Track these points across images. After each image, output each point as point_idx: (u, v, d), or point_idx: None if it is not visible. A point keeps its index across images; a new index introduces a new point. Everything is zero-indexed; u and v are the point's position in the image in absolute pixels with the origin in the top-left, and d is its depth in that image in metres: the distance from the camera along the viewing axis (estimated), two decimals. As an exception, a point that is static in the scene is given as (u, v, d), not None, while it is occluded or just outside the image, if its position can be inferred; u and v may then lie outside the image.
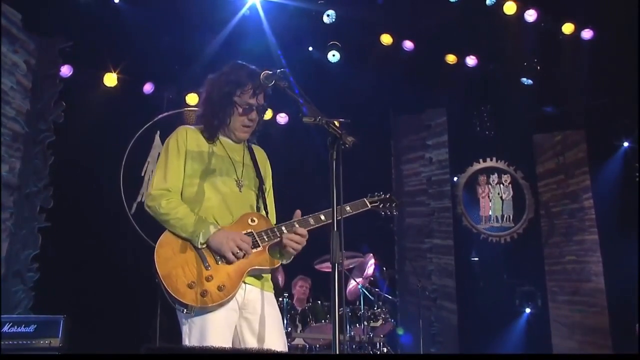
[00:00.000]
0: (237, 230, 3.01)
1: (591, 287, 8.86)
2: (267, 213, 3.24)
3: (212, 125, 3.23)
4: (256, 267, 3.01)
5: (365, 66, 8.37)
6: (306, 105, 2.84)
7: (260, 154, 3.44)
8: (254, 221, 3.10)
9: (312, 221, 3.14)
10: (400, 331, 6.58)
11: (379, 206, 3.45)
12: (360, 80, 8.27)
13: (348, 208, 3.28)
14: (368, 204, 3.40)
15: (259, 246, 3.03)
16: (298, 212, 3.17)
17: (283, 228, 3.10)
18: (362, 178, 7.08)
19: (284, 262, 3.23)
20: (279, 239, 3.08)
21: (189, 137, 3.17)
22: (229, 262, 2.94)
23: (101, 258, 6.95)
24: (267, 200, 3.32)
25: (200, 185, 3.08)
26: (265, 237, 3.06)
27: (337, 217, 2.62)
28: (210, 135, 3.22)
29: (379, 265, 6.95)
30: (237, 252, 2.93)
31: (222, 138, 3.28)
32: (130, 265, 6.90)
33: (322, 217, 3.15)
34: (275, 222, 3.32)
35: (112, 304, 6.82)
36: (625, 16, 7.13)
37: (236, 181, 3.17)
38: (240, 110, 3.21)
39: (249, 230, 3.05)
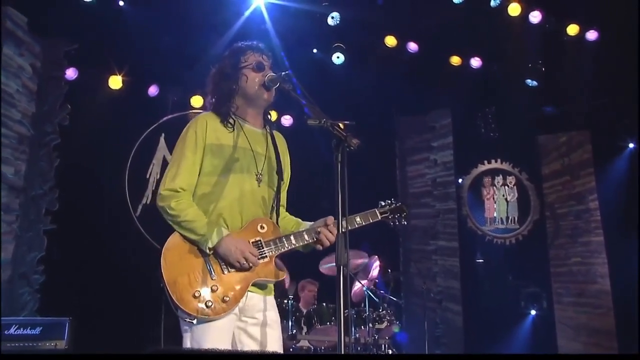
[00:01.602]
0: (245, 237, 2.99)
1: (597, 288, 8.83)
2: (277, 216, 3.21)
3: (227, 102, 3.18)
4: (262, 278, 2.99)
5: (369, 68, 8.36)
6: (311, 107, 2.84)
7: (281, 141, 3.37)
8: (263, 228, 3.07)
9: (319, 233, 3.10)
10: (396, 329, 6.52)
11: (389, 217, 3.34)
12: (364, 82, 8.27)
13: (358, 219, 3.21)
14: (378, 215, 3.30)
15: (266, 257, 3.01)
16: (331, 218, 3.08)
17: (292, 238, 3.08)
18: (367, 180, 7.08)
19: (306, 251, 3.21)
20: (286, 249, 3.06)
21: (208, 128, 3.09)
22: (236, 270, 2.92)
23: (106, 260, 6.96)
24: (282, 195, 3.29)
25: (217, 182, 3.04)
26: (273, 246, 3.03)
27: (342, 221, 2.61)
28: (225, 115, 3.14)
29: (383, 267, 6.95)
30: (244, 263, 2.91)
31: (245, 125, 3.20)
32: (135, 268, 6.88)
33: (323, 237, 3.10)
34: (285, 211, 3.32)
35: (118, 306, 6.83)
36: (630, 17, 7.11)
37: (256, 175, 3.11)
38: (251, 69, 3.17)
39: (257, 238, 3.02)
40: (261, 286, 3.04)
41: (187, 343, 2.87)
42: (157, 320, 6.30)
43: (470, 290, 9.07)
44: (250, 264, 2.93)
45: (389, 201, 3.39)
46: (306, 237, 3.10)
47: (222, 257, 2.91)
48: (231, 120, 3.16)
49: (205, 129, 3.08)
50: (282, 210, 3.33)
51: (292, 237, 3.08)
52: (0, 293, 6.16)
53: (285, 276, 3.09)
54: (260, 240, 3.02)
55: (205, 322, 2.83)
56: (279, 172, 3.23)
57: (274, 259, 3.03)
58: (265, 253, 3.00)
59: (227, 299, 2.86)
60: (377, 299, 6.64)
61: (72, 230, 6.99)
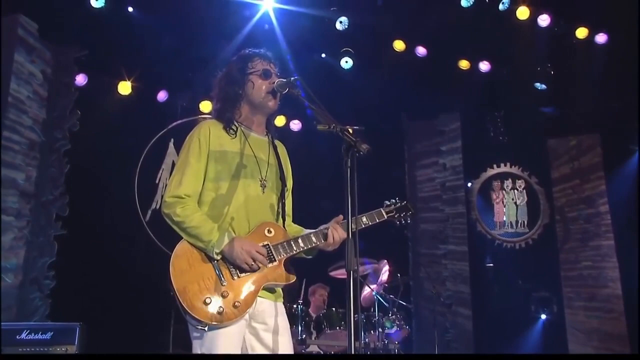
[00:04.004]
0: (253, 241, 2.97)
1: (608, 292, 8.78)
2: (284, 221, 3.19)
3: (232, 107, 3.18)
4: (271, 282, 2.97)
5: (378, 72, 8.38)
6: (320, 112, 2.84)
7: (282, 150, 3.37)
8: (271, 232, 3.05)
9: (327, 234, 3.08)
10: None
11: (395, 216, 3.35)
12: (373, 86, 8.28)
13: (364, 219, 3.20)
14: (384, 214, 3.31)
15: (275, 260, 2.99)
16: (340, 217, 3.09)
17: (300, 241, 3.06)
18: (376, 184, 7.07)
19: (307, 257, 3.19)
20: (295, 252, 3.04)
21: (212, 135, 3.09)
22: (246, 273, 2.91)
23: (116, 265, 6.98)
24: (287, 203, 3.27)
25: (222, 188, 3.03)
26: (281, 250, 3.01)
27: (352, 225, 2.61)
28: (228, 122, 3.15)
29: (392, 271, 6.93)
30: (252, 264, 2.89)
31: (248, 132, 3.20)
32: (145, 273, 6.89)
33: (329, 238, 3.09)
34: (292, 221, 3.31)
35: (128, 312, 6.86)
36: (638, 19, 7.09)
37: (260, 181, 3.11)
38: (258, 76, 3.18)
39: (265, 243, 3.00)
40: (271, 291, 3.03)
41: (197, 350, 2.86)
42: (166, 326, 6.33)
43: (480, 294, 9.04)
44: (259, 265, 2.92)
45: (394, 200, 3.40)
46: (314, 239, 3.08)
47: (231, 261, 2.90)
48: (234, 127, 3.17)
49: (208, 136, 3.09)
50: (289, 220, 3.31)
51: (300, 240, 3.06)
52: (0, 297, 6.19)
53: (294, 279, 3.06)
54: (268, 245, 3.01)
55: (216, 329, 2.82)
56: (282, 179, 3.23)
57: (282, 262, 3.01)
58: (274, 257, 2.99)
59: (238, 304, 2.84)
60: (387, 303, 6.63)
61: (82, 236, 7.02)
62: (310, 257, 3.22)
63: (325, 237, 3.08)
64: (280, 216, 3.20)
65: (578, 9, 7.78)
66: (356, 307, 2.53)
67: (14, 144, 6.72)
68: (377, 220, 3.28)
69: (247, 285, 2.90)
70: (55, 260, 6.97)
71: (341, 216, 3.08)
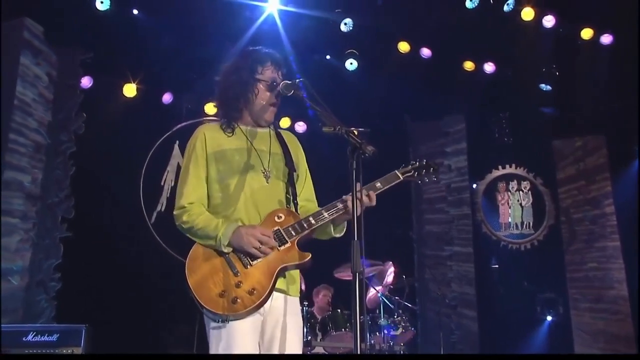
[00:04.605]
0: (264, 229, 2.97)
1: (614, 294, 8.75)
2: (296, 205, 3.16)
3: (234, 109, 3.18)
4: (286, 264, 2.96)
5: (383, 73, 8.37)
6: (325, 114, 2.84)
7: (290, 139, 3.35)
8: (281, 217, 3.05)
9: (340, 205, 3.03)
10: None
11: (414, 175, 3.27)
12: (378, 87, 8.28)
13: (378, 184, 3.12)
14: (400, 175, 3.22)
15: (287, 242, 2.98)
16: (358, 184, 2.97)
17: (311, 219, 3.04)
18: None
19: (338, 235, 3.15)
20: (307, 230, 3.02)
21: (208, 138, 3.12)
22: (258, 260, 2.91)
23: (122, 267, 7.00)
24: (302, 188, 3.25)
25: (229, 187, 3.05)
26: (292, 231, 2.99)
27: (357, 224, 2.61)
28: (230, 123, 3.17)
29: (398, 273, 6.93)
30: (259, 247, 2.90)
31: (246, 128, 3.21)
32: (151, 274, 6.94)
33: (349, 204, 2.97)
34: (317, 207, 3.24)
35: (134, 313, 6.87)
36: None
37: (263, 172, 3.10)
38: (265, 86, 3.16)
39: (275, 228, 3.00)
40: (283, 278, 3.01)
41: (214, 346, 2.86)
42: (171, 328, 6.34)
43: (485, 295, 9.03)
44: (267, 247, 2.91)
45: (413, 162, 3.32)
46: (325, 214, 3.04)
47: (240, 250, 2.91)
48: (232, 126, 3.19)
49: (204, 140, 3.12)
50: (310, 204, 3.27)
51: (311, 218, 3.03)
52: (0, 300, 6.21)
53: (309, 257, 3.02)
54: (279, 229, 3.00)
55: (235, 320, 2.82)
56: (289, 165, 3.21)
57: (295, 243, 3.00)
58: (285, 239, 2.98)
59: (255, 290, 2.84)
60: (392, 305, 6.63)
61: (87, 238, 7.03)
62: (339, 235, 3.16)
63: (337, 207, 3.03)
64: (291, 202, 3.17)
65: (583, 10, 7.75)
66: (362, 309, 2.52)
67: (19, 147, 6.74)
68: (393, 183, 3.18)
69: (261, 271, 2.91)
70: (61, 262, 6.98)
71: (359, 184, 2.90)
